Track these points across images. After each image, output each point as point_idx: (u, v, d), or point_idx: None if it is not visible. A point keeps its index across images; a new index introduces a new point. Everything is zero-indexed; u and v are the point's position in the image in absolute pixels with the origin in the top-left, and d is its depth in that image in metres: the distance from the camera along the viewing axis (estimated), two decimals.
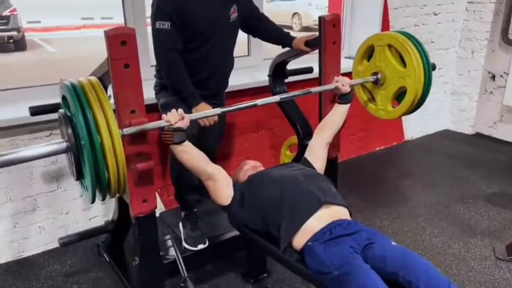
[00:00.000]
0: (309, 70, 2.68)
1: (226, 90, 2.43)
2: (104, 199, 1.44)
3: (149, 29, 2.16)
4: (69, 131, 1.32)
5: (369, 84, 2.19)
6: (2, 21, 7.13)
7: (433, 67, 2.08)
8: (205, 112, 1.91)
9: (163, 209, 2.88)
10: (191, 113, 2.14)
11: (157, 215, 1.78)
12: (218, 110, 1.79)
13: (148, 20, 2.20)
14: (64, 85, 1.35)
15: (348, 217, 1.75)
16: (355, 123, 3.58)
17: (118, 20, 2.78)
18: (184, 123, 1.62)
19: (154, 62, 2.24)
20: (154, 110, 2.33)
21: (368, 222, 2.76)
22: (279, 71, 2.54)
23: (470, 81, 4.23)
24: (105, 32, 1.42)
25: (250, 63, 3.16)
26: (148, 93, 2.20)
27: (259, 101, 1.83)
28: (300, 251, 1.67)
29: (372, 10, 3.52)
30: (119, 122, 1.49)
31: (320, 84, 2.08)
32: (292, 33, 2.36)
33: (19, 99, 2.38)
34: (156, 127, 1.58)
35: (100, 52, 1.47)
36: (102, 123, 1.29)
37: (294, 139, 2.57)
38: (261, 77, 2.80)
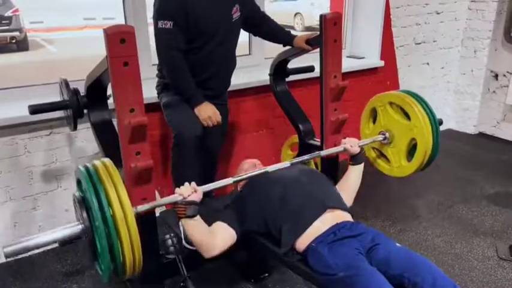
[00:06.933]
0: (310, 69, 2.67)
1: (228, 89, 2.43)
2: (120, 277, 1.44)
3: (150, 28, 2.16)
4: (84, 214, 1.36)
5: (377, 144, 2.22)
6: (4, 22, 7.11)
7: (440, 122, 2.09)
8: None
9: (164, 208, 2.87)
10: (193, 111, 2.14)
11: (157, 214, 1.77)
12: (230, 180, 1.75)
13: (149, 20, 2.19)
14: (79, 170, 1.40)
15: (351, 220, 1.74)
16: (357, 122, 3.56)
17: (120, 21, 2.77)
18: (197, 197, 1.58)
19: (155, 61, 2.24)
20: (154, 109, 2.33)
21: (370, 222, 2.74)
22: (280, 70, 2.53)
23: (473, 80, 4.21)
24: (104, 30, 1.41)
25: (252, 62, 3.15)
26: (148, 92, 2.19)
27: (270, 168, 1.81)
28: (303, 252, 1.66)
29: (374, 9, 3.51)
30: (118, 121, 1.49)
31: (321, 83, 2.06)
32: (293, 33, 2.35)
33: (19, 98, 2.39)
34: (169, 202, 1.58)
35: (101, 52, 1.47)
36: (115, 202, 1.32)
37: (295, 138, 2.56)
38: (262, 76, 2.79)
